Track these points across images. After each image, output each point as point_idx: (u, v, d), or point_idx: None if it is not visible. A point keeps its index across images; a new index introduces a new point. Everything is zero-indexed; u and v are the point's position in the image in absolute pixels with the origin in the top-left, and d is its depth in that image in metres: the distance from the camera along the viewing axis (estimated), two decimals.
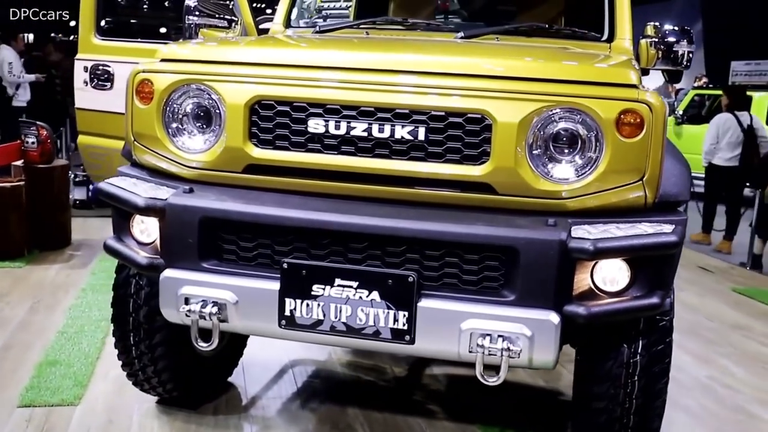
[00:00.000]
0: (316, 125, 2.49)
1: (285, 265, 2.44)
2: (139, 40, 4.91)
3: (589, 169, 2.40)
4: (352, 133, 2.46)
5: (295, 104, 2.51)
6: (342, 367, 3.92)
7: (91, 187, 7.90)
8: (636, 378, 2.62)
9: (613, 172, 2.38)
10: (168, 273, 2.57)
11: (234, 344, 3.54)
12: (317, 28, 3.60)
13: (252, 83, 2.54)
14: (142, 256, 2.63)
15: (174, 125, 2.66)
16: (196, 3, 3.83)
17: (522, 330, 2.32)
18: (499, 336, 2.33)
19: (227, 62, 2.61)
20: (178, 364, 3.10)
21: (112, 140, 4.74)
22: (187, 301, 2.53)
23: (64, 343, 3.98)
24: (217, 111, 2.60)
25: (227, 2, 4.05)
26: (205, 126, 2.64)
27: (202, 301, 2.52)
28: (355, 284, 2.40)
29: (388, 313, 2.39)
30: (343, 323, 2.42)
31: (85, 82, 4.79)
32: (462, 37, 3.28)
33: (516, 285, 2.35)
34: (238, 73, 2.57)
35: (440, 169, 2.44)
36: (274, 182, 2.58)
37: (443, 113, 2.41)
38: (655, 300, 2.39)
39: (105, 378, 3.60)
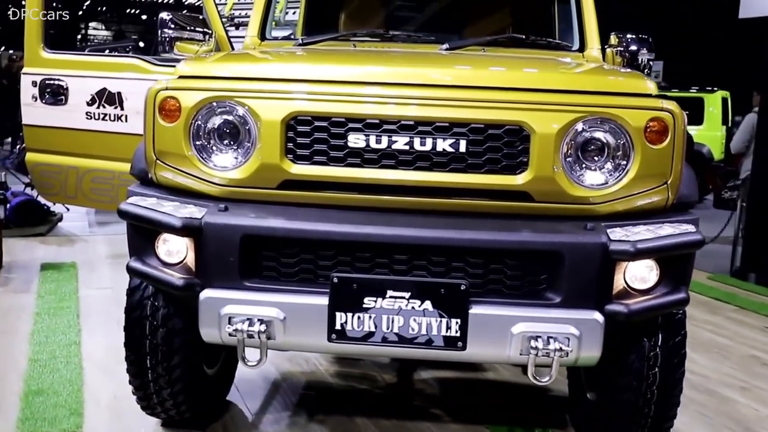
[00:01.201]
0: (356, 140, 2.52)
1: (335, 279, 2.46)
2: (95, 53, 4.75)
3: (620, 175, 2.54)
4: (393, 146, 2.51)
5: (333, 119, 2.52)
6: (333, 378, 3.93)
7: (7, 206, 7.49)
8: (657, 369, 2.79)
9: (642, 177, 2.54)
10: (208, 293, 2.53)
11: (231, 361, 3.50)
12: (300, 41, 3.60)
13: (288, 99, 2.54)
14: (177, 277, 2.57)
15: (202, 143, 2.62)
16: (171, 16, 3.76)
17: (571, 330, 2.44)
18: (550, 337, 2.44)
19: (260, 78, 2.60)
20: (193, 384, 3.03)
21: (67, 157, 4.59)
22: (230, 321, 2.50)
23: (41, 370, 3.79)
24: (248, 127, 2.58)
25: (200, 15, 3.98)
26: (235, 143, 2.61)
27: (248, 319, 2.49)
28: (407, 295, 2.45)
29: (441, 321, 2.45)
30: (395, 333, 2.46)
31: (34, 98, 4.58)
32: (447, 49, 3.38)
33: (561, 287, 2.47)
34: (272, 89, 2.56)
35: (480, 179, 2.52)
36: (310, 197, 2.59)
37: (483, 125, 2.50)
38: (683, 295, 2.57)
39: (98, 404, 3.46)
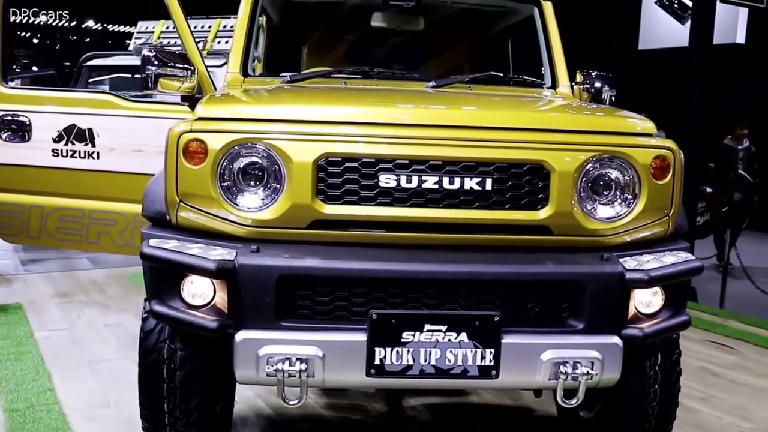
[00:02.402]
0: (387, 180, 2.61)
1: (374, 316, 2.53)
2: (58, 88, 4.63)
3: (629, 208, 2.74)
4: (423, 186, 2.61)
5: (364, 160, 2.61)
6: (325, 410, 3.96)
7: None
8: (657, 386, 2.99)
9: (648, 210, 2.75)
10: (244, 334, 2.54)
11: (230, 399, 3.48)
12: (288, 78, 3.67)
13: (319, 140, 2.60)
14: (210, 319, 2.57)
15: (229, 184, 2.64)
16: (155, 53, 3.74)
17: (594, 354, 2.60)
18: (576, 362, 2.59)
19: (290, 120, 2.64)
20: (208, 425, 3.01)
21: (29, 196, 4.44)
22: (268, 361, 2.53)
23: (22, 421, 3.64)
24: (276, 168, 2.62)
25: (179, 51, 3.97)
26: (262, 183, 2.65)
27: (287, 359, 2.52)
28: (444, 327, 2.54)
29: (476, 351, 2.56)
30: (433, 366, 2.55)
31: None
32: (433, 87, 3.54)
33: (583, 315, 2.63)
34: (302, 131, 2.61)
35: (504, 215, 2.66)
36: (341, 236, 2.65)
37: (507, 164, 2.64)
38: (686, 317, 2.78)
39: None
